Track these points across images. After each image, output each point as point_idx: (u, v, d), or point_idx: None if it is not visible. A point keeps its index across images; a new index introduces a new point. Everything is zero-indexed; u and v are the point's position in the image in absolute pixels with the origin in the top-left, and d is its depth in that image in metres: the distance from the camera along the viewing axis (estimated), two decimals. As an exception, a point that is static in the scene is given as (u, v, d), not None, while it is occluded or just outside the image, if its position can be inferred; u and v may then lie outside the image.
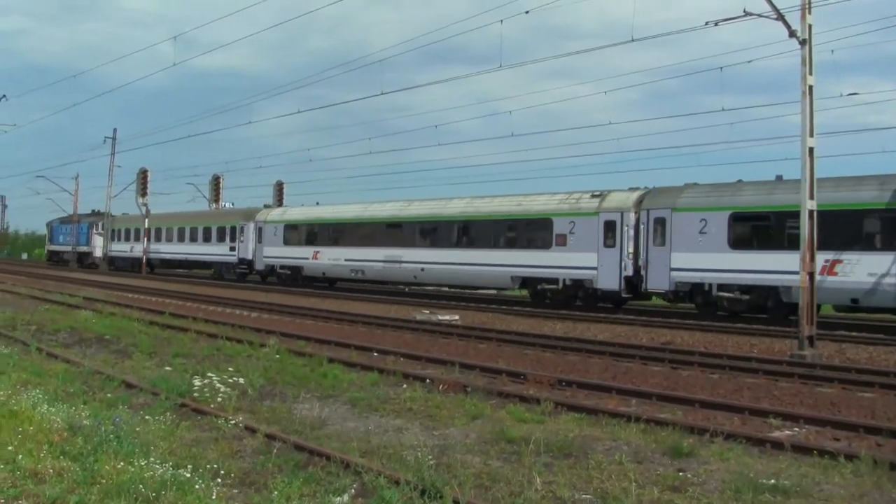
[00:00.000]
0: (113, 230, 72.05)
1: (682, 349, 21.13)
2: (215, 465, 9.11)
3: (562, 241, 34.41)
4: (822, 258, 23.61)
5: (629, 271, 31.89)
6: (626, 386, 15.42)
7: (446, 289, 44.70)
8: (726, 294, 29.32)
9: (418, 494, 8.11)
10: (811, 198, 20.55)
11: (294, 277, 49.40)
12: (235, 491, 8.56)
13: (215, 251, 56.87)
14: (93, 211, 79.05)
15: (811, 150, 20.57)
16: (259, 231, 52.40)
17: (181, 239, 61.94)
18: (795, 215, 21.90)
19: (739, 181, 30.81)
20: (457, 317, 29.76)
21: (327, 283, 48.83)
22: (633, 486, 8.59)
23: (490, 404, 13.43)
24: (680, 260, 30.29)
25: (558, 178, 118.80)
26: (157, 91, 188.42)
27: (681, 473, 9.40)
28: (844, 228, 25.93)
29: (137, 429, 10.62)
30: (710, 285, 29.62)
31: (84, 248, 76.64)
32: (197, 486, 7.95)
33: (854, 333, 24.55)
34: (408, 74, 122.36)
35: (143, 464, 8.49)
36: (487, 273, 37.46)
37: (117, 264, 70.20)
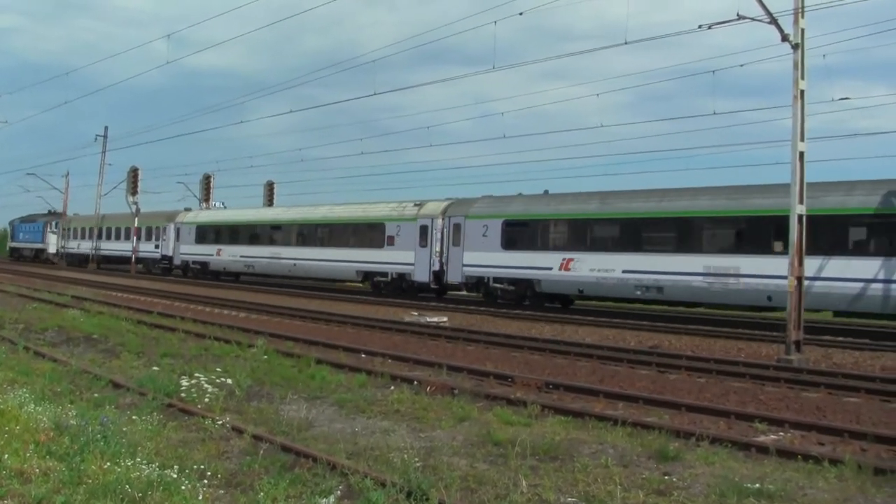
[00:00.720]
0: (65, 229, 78.82)
1: (670, 353, 21.19)
2: (202, 466, 9.12)
3: (391, 241, 41.63)
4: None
5: (437, 267, 39.07)
6: (613, 389, 15.46)
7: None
8: (499, 285, 36.47)
9: (404, 496, 8.13)
10: (801, 202, 20.62)
11: (203, 271, 56.55)
12: (222, 492, 8.57)
13: (143, 248, 64.82)
14: (49, 211, 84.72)
15: (801, 154, 20.65)
16: (177, 231, 60.27)
17: (118, 237, 69.30)
18: (548, 222, 34.85)
19: (519, 194, 39.03)
20: (445, 319, 29.79)
21: (233, 277, 55.86)
22: (619, 490, 8.63)
23: (477, 407, 13.47)
24: (469, 258, 37.42)
25: (550, 179, 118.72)
26: (149, 89, 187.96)
27: (666, 477, 9.44)
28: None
29: (124, 429, 10.62)
30: (489, 278, 36.85)
31: (40, 245, 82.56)
32: (183, 487, 7.97)
33: (840, 338, 24.67)
34: (401, 75, 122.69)
35: (129, 464, 8.49)
36: (340, 268, 45.09)
37: (67, 260, 76.42)
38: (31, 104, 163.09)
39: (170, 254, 60.99)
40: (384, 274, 42.19)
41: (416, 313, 31.49)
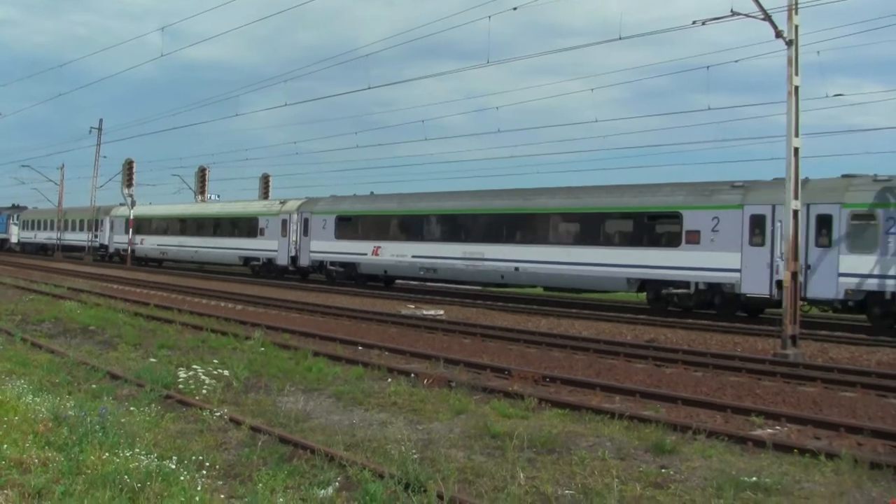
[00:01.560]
0: (24, 221, 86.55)
1: (666, 347, 21.21)
2: (200, 457, 9.16)
3: (262, 232, 49.41)
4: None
5: (293, 253, 46.70)
6: (609, 383, 15.50)
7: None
8: (334, 268, 44.06)
9: (402, 488, 8.16)
10: (796, 198, 20.64)
11: (134, 258, 63.73)
12: (220, 482, 8.60)
13: (84, 238, 72.47)
14: (12, 205, 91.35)
15: (796, 149, 20.66)
16: (112, 223, 67.95)
17: (73, 229, 75.95)
18: (365, 217, 43.09)
19: (354, 195, 46.61)
20: (441, 312, 29.80)
21: (156, 263, 62.58)
22: (616, 483, 8.66)
23: (474, 399, 13.49)
24: (314, 246, 45.17)
25: (544, 174, 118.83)
26: (144, 82, 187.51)
27: (663, 470, 9.48)
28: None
29: (122, 420, 10.64)
30: (327, 262, 44.45)
31: (3, 236, 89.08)
32: (182, 478, 7.99)
33: (837, 333, 24.69)
34: (396, 69, 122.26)
35: (128, 455, 8.51)
36: (227, 254, 53.32)
37: (26, 249, 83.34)
38: (26, 96, 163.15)
39: (106, 242, 68.77)
40: (259, 258, 50.22)
41: (412, 306, 31.50)
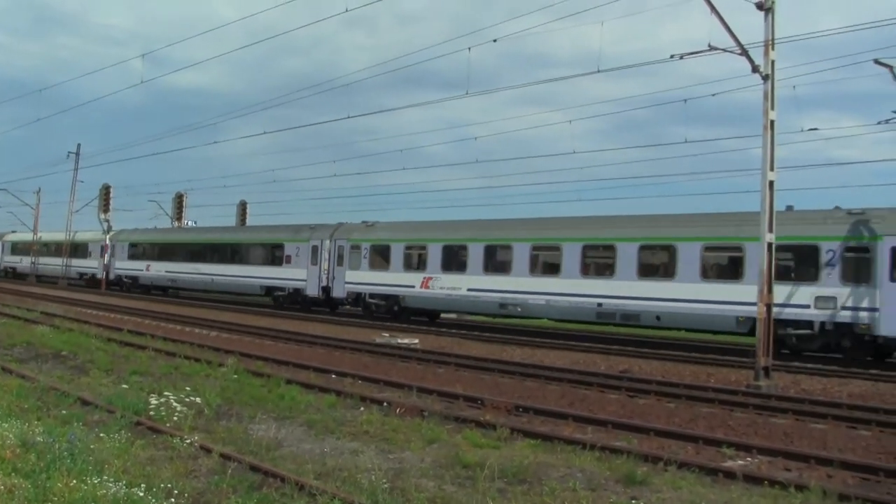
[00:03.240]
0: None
1: (640, 377, 21.26)
2: (169, 485, 9.07)
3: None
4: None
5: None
6: (582, 413, 15.52)
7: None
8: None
9: (372, 517, 8.13)
10: (770, 231, 20.81)
11: (14, 274, 74.26)
12: (189, 511, 8.53)
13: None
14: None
15: (771, 182, 20.86)
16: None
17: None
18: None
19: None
20: (416, 341, 29.77)
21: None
22: (586, 513, 8.66)
23: (447, 429, 13.47)
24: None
25: (522, 204, 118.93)
26: (124, 107, 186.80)
27: (633, 501, 9.49)
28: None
29: (92, 446, 10.55)
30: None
31: None
32: (150, 506, 7.93)
33: (809, 365, 24.80)
34: (378, 98, 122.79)
35: (96, 482, 8.45)
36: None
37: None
38: (4, 119, 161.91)
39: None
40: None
41: (387, 334, 31.44)
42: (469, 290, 35.96)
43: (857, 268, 25.46)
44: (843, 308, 25.31)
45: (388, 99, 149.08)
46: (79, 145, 74.34)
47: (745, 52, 20.63)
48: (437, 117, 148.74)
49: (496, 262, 35.80)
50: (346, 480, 9.93)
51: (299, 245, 45.34)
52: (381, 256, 40.83)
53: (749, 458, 12.22)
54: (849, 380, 21.99)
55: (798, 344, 26.62)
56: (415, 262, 39.17)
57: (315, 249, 44.15)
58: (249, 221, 67.74)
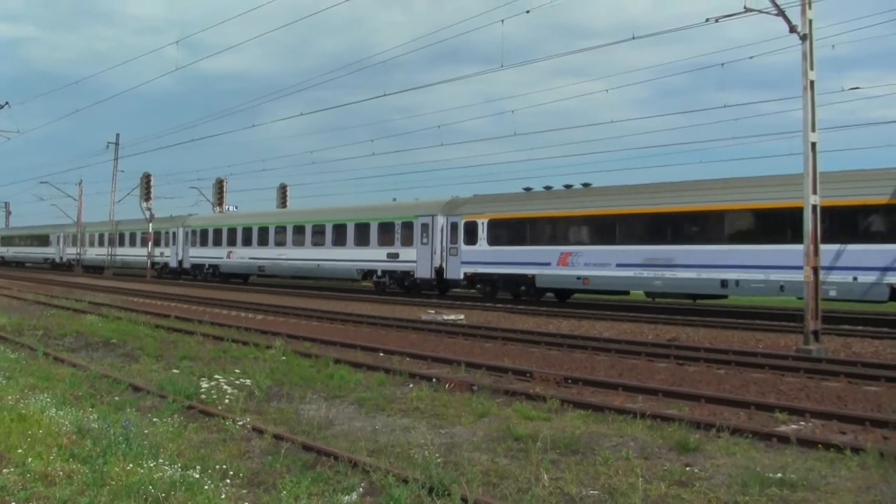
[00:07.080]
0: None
1: (688, 345, 21.14)
2: (224, 466, 9.15)
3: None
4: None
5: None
6: (632, 382, 15.44)
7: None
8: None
9: (426, 492, 8.14)
10: (814, 193, 20.54)
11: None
12: (244, 491, 8.58)
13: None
14: None
15: (814, 144, 20.57)
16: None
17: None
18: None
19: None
20: (462, 316, 29.79)
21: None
22: (640, 482, 8.62)
23: (496, 402, 13.46)
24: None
25: (562, 175, 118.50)
26: (161, 95, 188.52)
27: (688, 468, 9.42)
28: None
29: (146, 431, 10.66)
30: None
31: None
32: (206, 487, 7.99)
33: (860, 328, 24.54)
34: (414, 75, 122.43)
35: (152, 465, 8.53)
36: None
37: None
38: (44, 113, 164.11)
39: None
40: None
41: (432, 311, 31.50)
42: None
43: None
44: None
45: (424, 75, 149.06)
46: (118, 135, 74.99)
47: (781, 13, 20.30)
48: (474, 91, 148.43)
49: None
50: (399, 456, 9.96)
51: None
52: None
53: (802, 423, 12.09)
54: (901, 341, 21.71)
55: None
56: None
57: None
58: (290, 204, 67.83)
